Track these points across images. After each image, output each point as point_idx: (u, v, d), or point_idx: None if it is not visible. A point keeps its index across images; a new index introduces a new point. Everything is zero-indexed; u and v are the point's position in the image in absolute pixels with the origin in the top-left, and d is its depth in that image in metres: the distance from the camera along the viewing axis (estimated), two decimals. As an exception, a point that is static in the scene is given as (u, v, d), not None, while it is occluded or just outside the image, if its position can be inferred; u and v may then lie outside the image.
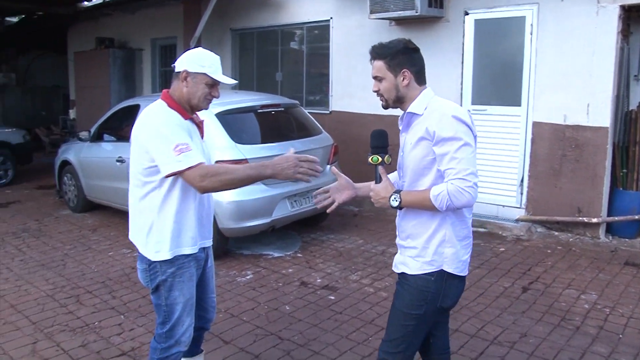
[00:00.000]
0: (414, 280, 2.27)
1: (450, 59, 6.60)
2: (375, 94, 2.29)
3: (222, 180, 2.30)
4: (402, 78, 2.23)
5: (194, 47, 8.95)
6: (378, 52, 2.24)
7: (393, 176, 2.51)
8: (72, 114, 12.70)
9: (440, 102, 2.23)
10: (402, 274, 2.33)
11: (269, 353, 3.56)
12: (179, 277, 2.49)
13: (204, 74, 2.43)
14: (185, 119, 2.47)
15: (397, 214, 2.38)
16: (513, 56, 6.15)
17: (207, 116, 5.47)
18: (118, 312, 4.18)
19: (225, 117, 5.50)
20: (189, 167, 2.28)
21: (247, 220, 5.27)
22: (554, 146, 5.90)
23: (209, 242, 2.68)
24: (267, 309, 4.24)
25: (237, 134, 5.42)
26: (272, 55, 9.15)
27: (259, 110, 5.87)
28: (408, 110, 2.25)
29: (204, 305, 2.79)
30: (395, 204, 2.21)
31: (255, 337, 3.79)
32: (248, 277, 4.91)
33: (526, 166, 6.14)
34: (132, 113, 6.18)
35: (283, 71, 8.96)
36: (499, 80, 6.36)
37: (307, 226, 6.40)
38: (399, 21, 6.95)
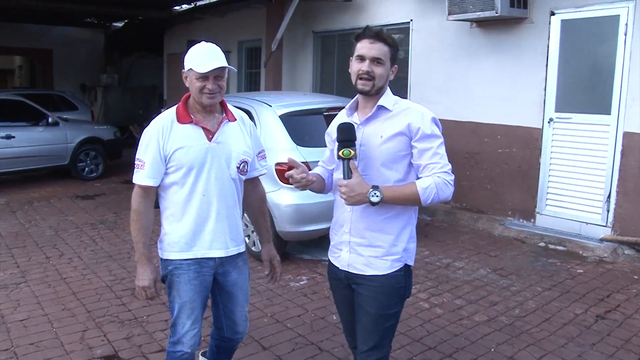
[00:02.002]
0: (386, 280, 2.25)
1: (533, 63, 6.15)
2: (365, 74, 2.19)
3: (131, 216, 2.47)
4: (391, 72, 2.25)
5: (275, 50, 9.17)
6: (387, 38, 2.21)
7: (319, 170, 2.53)
8: (163, 112, 13.31)
9: (409, 102, 2.30)
10: (370, 276, 2.26)
11: (305, 364, 3.44)
12: (176, 277, 2.50)
13: (191, 69, 2.39)
14: (184, 123, 2.43)
15: (351, 209, 2.25)
16: (603, 59, 5.62)
17: (271, 118, 5.48)
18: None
19: (289, 119, 5.45)
20: (135, 183, 2.45)
21: (306, 225, 5.17)
22: (648, 160, 5.31)
23: (224, 252, 2.54)
24: (314, 317, 4.12)
25: (300, 137, 5.35)
26: (353, 58, 8.99)
27: (325, 113, 5.75)
28: (379, 104, 2.24)
29: (231, 316, 2.70)
30: (376, 199, 2.10)
31: (295, 345, 3.68)
32: (302, 283, 4.81)
33: (614, 181, 5.57)
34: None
35: (362, 74, 8.79)
36: (586, 86, 5.83)
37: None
38: (480, 23, 6.58)
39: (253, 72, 11.37)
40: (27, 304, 4.30)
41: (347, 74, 2.34)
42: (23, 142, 8.71)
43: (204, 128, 2.46)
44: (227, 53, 11.71)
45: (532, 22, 6.13)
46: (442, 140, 2.18)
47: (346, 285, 2.38)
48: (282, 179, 5.10)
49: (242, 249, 2.65)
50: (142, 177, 2.41)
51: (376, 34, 2.18)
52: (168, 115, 2.47)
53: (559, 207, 6.07)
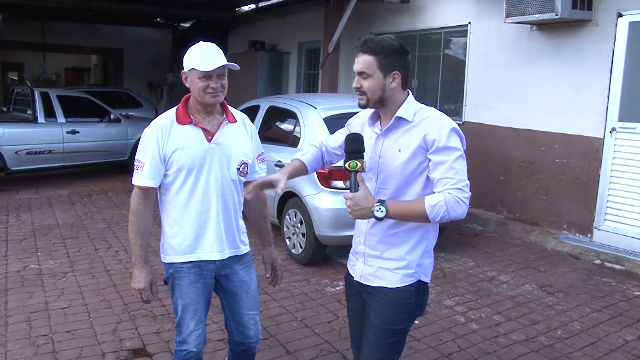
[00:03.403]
0: (394, 293, 2.17)
1: (596, 69, 5.79)
2: (356, 90, 2.12)
3: (130, 218, 2.47)
4: (391, 80, 2.08)
5: (332, 51, 9.12)
6: (371, 46, 2.05)
7: (306, 157, 2.48)
8: (222, 111, 13.61)
9: (431, 110, 2.14)
10: (379, 288, 2.19)
11: (327, 372, 3.37)
12: (178, 280, 2.51)
13: (193, 69, 2.35)
14: (184, 124, 2.42)
15: (367, 220, 2.18)
16: (674, 66, 5.21)
17: (316, 120, 5.44)
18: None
19: (333, 122, 5.38)
20: (134, 185, 2.44)
21: (346, 229, 5.06)
22: None
23: (219, 255, 2.51)
24: (343, 324, 4.03)
25: (344, 140, 5.26)
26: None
27: (372, 116, 5.65)
28: (397, 115, 2.11)
29: (239, 320, 2.67)
30: (380, 215, 2.01)
31: (319, 352, 3.61)
32: (338, 288, 4.73)
33: (681, 197, 5.16)
34: (253, 113, 6.34)
35: (418, 77, 8.62)
36: (654, 95, 5.43)
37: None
38: (540, 25, 6.27)
39: (312, 73, 11.39)
40: (70, 293, 4.48)
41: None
42: (86, 137, 9.12)
43: (203, 129, 2.44)
44: (286, 54, 11.82)
45: (596, 24, 5.77)
46: (460, 153, 2.02)
47: (358, 293, 2.33)
48: (323, 182, 5.05)
49: (242, 251, 2.61)
50: (141, 178, 2.40)
51: (361, 45, 2.07)
52: (168, 116, 2.46)
53: (619, 222, 5.68)
